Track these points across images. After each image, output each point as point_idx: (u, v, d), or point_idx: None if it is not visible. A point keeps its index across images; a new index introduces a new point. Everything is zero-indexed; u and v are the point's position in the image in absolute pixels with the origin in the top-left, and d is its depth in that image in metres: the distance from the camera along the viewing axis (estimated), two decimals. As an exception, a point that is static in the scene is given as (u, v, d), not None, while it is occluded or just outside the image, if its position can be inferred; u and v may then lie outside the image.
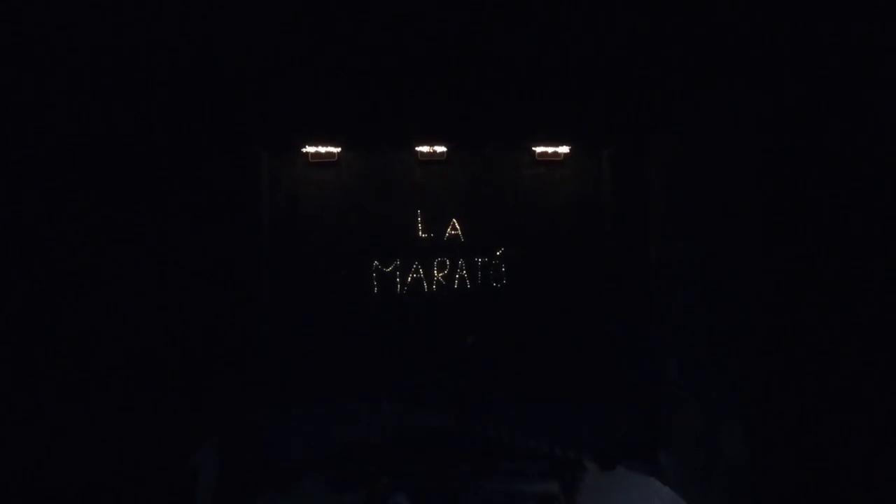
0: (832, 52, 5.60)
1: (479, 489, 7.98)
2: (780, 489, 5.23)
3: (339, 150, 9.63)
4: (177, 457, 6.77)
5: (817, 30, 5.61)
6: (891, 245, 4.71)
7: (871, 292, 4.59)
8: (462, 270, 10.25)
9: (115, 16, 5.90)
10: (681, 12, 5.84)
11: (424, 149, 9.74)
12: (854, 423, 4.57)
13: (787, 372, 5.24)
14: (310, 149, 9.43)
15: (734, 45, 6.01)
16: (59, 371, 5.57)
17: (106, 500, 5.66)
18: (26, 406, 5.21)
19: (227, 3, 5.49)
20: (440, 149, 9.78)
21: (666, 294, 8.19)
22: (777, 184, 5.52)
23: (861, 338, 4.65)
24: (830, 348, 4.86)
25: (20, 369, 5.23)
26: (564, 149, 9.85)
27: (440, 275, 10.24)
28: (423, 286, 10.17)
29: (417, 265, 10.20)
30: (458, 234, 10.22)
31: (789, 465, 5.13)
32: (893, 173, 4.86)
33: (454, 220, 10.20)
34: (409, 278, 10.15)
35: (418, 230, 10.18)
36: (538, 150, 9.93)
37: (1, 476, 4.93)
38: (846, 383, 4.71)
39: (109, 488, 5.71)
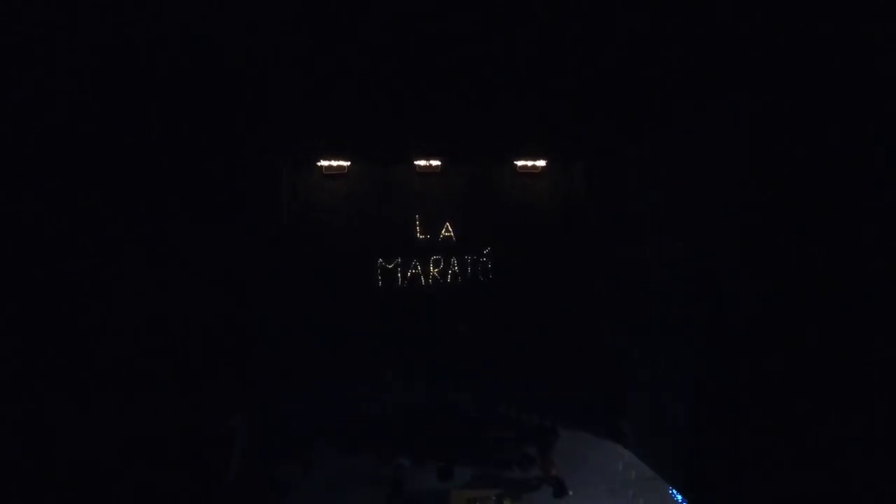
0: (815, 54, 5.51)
1: (470, 453, 9.02)
2: (711, 446, 6.39)
3: (348, 163, 10.89)
4: (215, 423, 7.48)
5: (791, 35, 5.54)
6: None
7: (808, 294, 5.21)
8: (454, 267, 11.80)
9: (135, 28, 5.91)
10: (650, 32, 5.77)
11: (422, 162, 10.98)
12: (771, 396, 5.60)
13: (719, 356, 6.38)
14: (324, 163, 10.72)
15: (698, 61, 5.81)
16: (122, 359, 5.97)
17: (170, 454, 6.26)
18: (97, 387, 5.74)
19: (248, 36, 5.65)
20: (435, 162, 11.04)
21: (625, 288, 9.41)
22: (756, 189, 5.70)
23: (779, 332, 5.56)
24: (754, 337, 5.86)
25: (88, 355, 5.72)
26: (541, 162, 11.35)
27: (435, 270, 11.75)
28: (421, 280, 11.67)
29: (416, 262, 11.69)
30: (451, 235, 11.76)
31: (719, 430, 6.25)
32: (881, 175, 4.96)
33: (448, 223, 11.73)
34: (409, 273, 11.65)
35: (416, 232, 11.67)
36: (519, 163, 11.36)
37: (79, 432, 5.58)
38: (766, 365, 5.68)
39: (171, 445, 6.31)
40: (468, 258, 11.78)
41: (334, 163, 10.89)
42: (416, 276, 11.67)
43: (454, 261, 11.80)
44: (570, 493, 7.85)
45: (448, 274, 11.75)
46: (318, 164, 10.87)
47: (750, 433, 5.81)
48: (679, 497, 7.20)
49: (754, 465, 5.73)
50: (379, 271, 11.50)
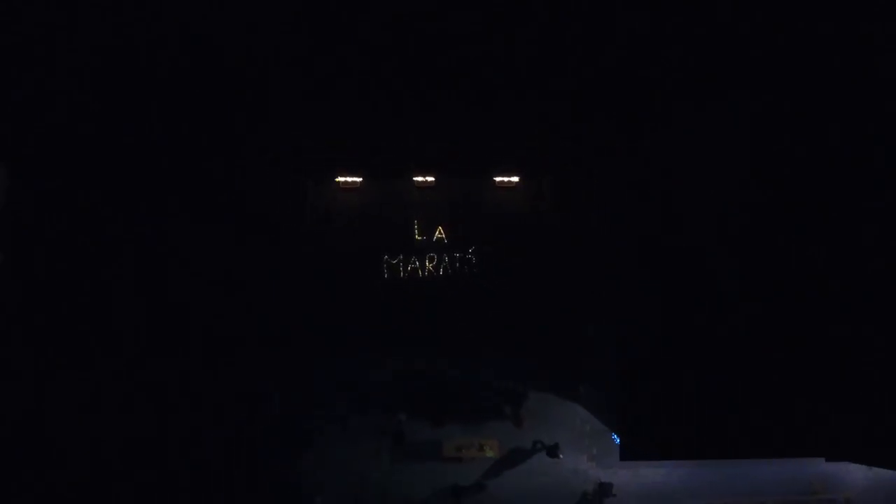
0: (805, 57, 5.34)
1: (457, 410, 11.02)
2: (642, 404, 8.19)
3: (361, 179, 12.91)
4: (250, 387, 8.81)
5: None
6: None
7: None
8: (445, 262, 14.23)
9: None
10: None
11: (419, 178, 13.02)
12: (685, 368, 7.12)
13: (650, 338, 7.96)
14: (340, 179, 12.67)
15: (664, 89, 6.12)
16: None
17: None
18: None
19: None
20: (430, 178, 13.18)
21: (583, 278, 11.24)
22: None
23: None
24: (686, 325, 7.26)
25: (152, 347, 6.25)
26: (515, 178, 13.48)
27: (430, 265, 14.08)
28: (419, 273, 13.95)
29: (414, 258, 13.90)
30: (442, 237, 13.95)
31: (644, 391, 8.04)
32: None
33: (440, 226, 13.83)
34: (409, 267, 13.94)
35: (415, 233, 13.78)
36: (497, 178, 13.33)
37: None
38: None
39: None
40: (457, 255, 14.26)
41: (349, 179, 13.03)
42: (414, 270, 14.10)
43: (446, 257, 14.28)
44: (561, 456, 9.66)
45: (441, 268, 14.35)
46: (336, 179, 12.93)
47: (666, 395, 7.68)
48: (618, 440, 9.31)
49: (667, 415, 7.66)
50: (385, 266, 13.80)
